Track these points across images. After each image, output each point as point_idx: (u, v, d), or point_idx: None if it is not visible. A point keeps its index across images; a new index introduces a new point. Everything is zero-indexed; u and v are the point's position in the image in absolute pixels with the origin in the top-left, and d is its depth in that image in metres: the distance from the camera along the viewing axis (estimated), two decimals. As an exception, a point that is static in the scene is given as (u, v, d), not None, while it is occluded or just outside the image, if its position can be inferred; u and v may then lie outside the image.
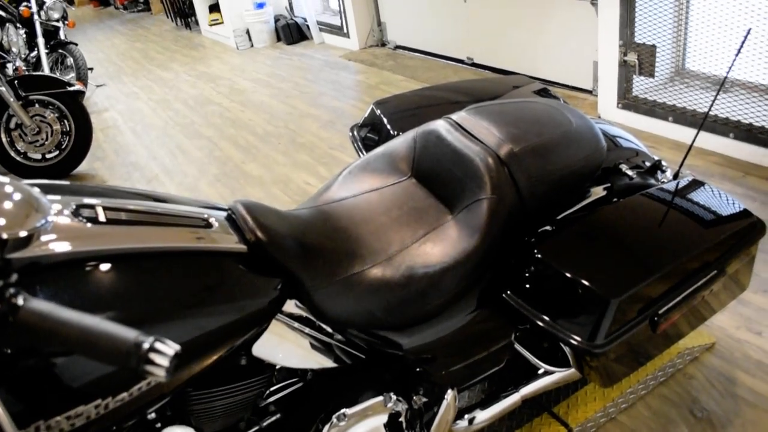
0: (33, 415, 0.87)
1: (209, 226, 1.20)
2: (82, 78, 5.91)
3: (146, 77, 6.94)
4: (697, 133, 1.66)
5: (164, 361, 0.69)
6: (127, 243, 1.05)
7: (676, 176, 1.79)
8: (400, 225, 1.45)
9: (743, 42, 1.59)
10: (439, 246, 1.39)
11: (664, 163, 1.96)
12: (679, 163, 1.76)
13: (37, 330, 0.71)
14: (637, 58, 3.60)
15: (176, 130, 5.14)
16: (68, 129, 4.58)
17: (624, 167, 1.66)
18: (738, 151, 3.29)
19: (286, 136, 4.61)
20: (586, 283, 1.34)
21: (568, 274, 1.36)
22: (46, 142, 4.52)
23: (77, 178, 4.60)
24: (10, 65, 5.32)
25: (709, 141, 3.40)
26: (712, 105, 1.64)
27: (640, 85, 3.71)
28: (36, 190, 0.98)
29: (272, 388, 1.39)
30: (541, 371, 1.73)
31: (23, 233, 0.90)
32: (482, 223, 1.38)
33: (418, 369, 1.49)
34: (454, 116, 1.60)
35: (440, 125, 1.57)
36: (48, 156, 4.59)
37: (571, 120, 1.58)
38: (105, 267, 1.00)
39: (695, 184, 1.68)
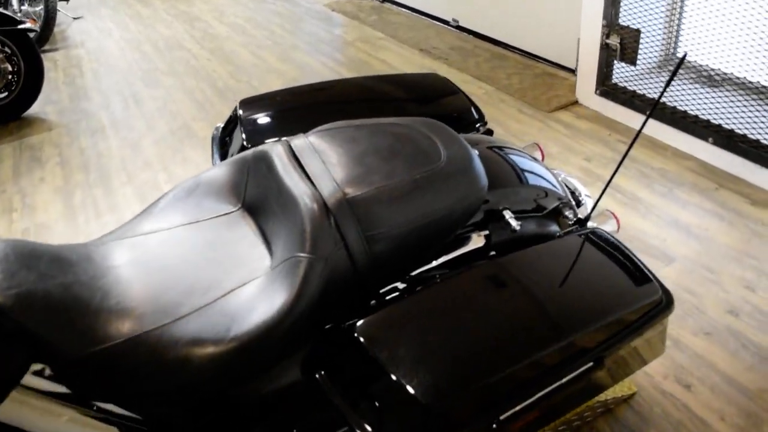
0: None
1: None
2: (51, 10, 5.56)
3: (125, 11, 6.57)
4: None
5: None
6: None
7: (581, 222, 1.50)
8: (207, 274, 1.18)
9: (677, 67, 1.28)
10: (243, 309, 1.13)
11: (583, 198, 1.67)
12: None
13: None
14: (620, 42, 3.21)
15: (137, 77, 4.83)
16: (18, 69, 4.30)
17: (507, 214, 1.36)
18: (715, 158, 2.95)
19: (245, 93, 4.29)
20: (402, 380, 1.07)
21: (383, 365, 1.09)
22: (-6, 82, 4.25)
23: (27, 121, 4.34)
24: (-37, -5, 4.99)
25: (686, 143, 3.05)
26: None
27: (622, 73, 3.34)
28: None
29: None
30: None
31: None
32: (295, 288, 1.11)
33: None
34: (297, 140, 1.31)
35: (275, 151, 1.28)
36: (-3, 97, 4.33)
37: (442, 153, 1.28)
38: None
39: (597, 241, 1.38)
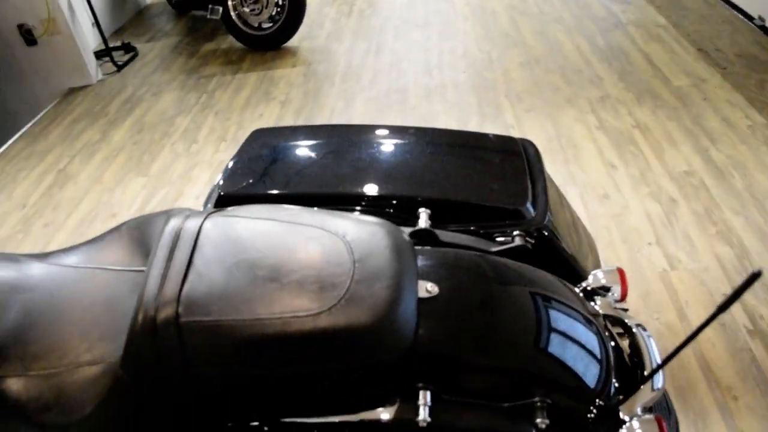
0: None
1: None
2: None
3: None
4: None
5: None
6: None
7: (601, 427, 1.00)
8: (78, 335, 1.07)
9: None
10: (63, 396, 1.01)
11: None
12: None
13: None
14: None
15: (393, 25, 4.79)
16: (284, 3, 4.55)
17: (423, 398, 0.93)
18: None
19: (478, 63, 3.96)
20: None
21: None
22: (262, 12, 4.57)
23: (281, 53, 4.62)
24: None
25: None
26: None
27: None
28: None
29: None
30: None
31: None
32: (91, 403, 0.94)
33: None
34: (191, 220, 1.05)
35: (170, 225, 1.05)
36: (264, 26, 4.67)
37: (343, 293, 0.91)
38: None
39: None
